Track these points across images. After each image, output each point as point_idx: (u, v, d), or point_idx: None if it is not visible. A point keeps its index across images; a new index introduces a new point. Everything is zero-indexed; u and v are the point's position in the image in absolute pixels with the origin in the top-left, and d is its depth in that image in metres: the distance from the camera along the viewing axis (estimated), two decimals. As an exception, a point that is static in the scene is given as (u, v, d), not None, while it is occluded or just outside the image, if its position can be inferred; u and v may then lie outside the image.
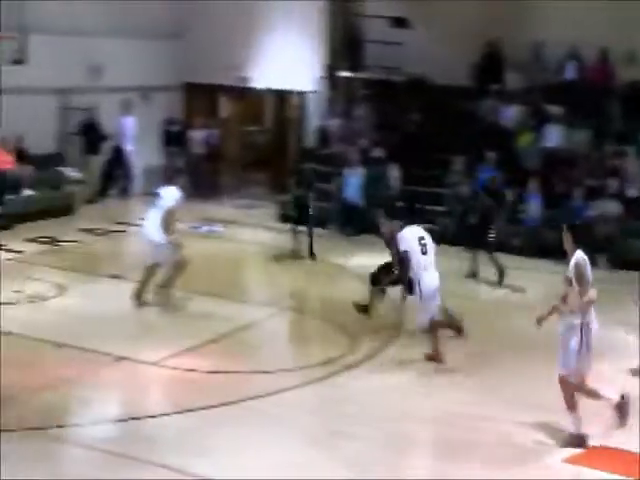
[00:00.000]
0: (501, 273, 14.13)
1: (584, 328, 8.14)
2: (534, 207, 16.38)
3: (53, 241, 15.60)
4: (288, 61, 20.12)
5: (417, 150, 17.81)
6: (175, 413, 8.86)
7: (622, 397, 8.25)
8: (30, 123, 17.40)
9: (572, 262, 8.22)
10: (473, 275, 14.48)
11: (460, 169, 16.89)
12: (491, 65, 19.00)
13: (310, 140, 20.55)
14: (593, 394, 8.39)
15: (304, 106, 20.50)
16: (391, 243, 11.08)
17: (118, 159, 19.74)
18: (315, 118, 20.35)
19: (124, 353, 10.30)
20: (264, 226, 17.83)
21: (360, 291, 13.76)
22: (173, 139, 20.74)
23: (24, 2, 14.87)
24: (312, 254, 15.47)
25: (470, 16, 18.92)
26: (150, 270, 12.12)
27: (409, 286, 10.66)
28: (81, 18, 18.60)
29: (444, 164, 17.18)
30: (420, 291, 10.34)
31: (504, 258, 14.37)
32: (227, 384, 9.72)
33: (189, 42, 21.19)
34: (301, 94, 20.68)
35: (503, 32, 18.55)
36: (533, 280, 14.15)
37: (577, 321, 8.14)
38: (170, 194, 12.17)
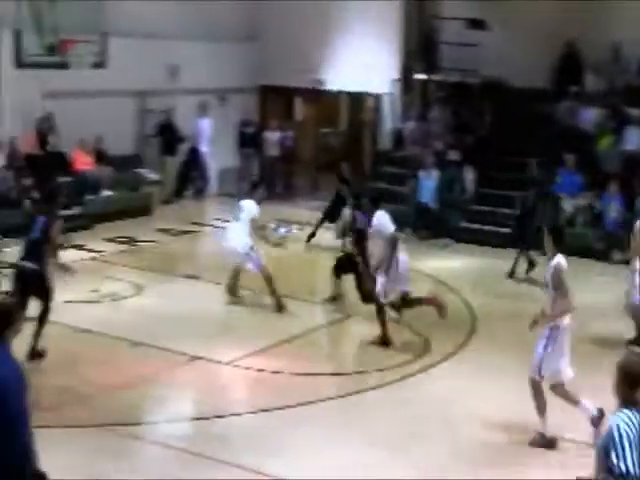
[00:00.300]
0: (530, 264, 14.31)
1: (554, 332, 8.17)
2: (614, 210, 16.10)
3: (131, 241, 15.84)
4: (363, 63, 20.09)
5: (493, 153, 17.63)
6: (249, 413, 8.92)
7: (600, 411, 8.11)
8: (109, 125, 17.73)
9: (551, 265, 8.22)
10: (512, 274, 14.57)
11: (536, 172, 16.65)
12: (569, 66, 18.69)
13: (385, 142, 20.50)
14: (572, 399, 8.33)
15: (379, 108, 20.45)
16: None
17: (194, 160, 19.96)
18: (390, 120, 20.29)
19: (199, 353, 10.42)
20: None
21: (432, 293, 13.73)
22: (248, 141, 20.90)
23: (104, 5, 15.12)
24: None
25: (547, 16, 18.65)
26: (236, 270, 12.33)
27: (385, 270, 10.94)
28: (159, 21, 18.88)
29: (520, 167, 16.96)
30: (396, 272, 10.83)
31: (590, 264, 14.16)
32: (301, 385, 9.75)
33: (265, 44, 21.34)
34: (376, 96, 20.64)
35: (581, 33, 18.23)
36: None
37: (549, 325, 8.19)
38: (250, 206, 12.23)
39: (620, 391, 5.12)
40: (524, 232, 14.69)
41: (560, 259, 8.20)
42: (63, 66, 15.12)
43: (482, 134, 18.33)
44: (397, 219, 16.62)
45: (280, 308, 12.13)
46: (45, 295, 9.89)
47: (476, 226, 16.50)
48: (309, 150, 22.26)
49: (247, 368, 10.03)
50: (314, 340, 11.45)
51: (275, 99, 22.48)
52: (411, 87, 20.44)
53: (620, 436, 4.93)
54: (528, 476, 7.79)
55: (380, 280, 10.82)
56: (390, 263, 10.86)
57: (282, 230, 17.49)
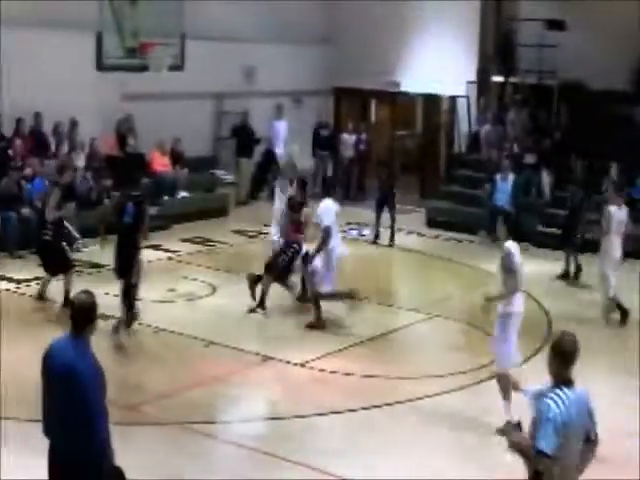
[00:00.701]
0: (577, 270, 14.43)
1: (505, 316, 8.67)
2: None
3: (206, 242, 16.01)
4: (439, 65, 19.98)
5: (570, 156, 17.35)
6: (319, 414, 8.93)
7: (517, 425, 8.01)
8: (186, 127, 17.97)
9: (504, 251, 8.89)
10: (564, 276, 14.58)
11: (616, 176, 16.34)
12: (651, 68, 18.32)
13: (460, 145, 20.34)
14: (507, 393, 8.50)
15: (454, 111, 20.30)
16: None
17: (269, 162, 20.08)
18: (465, 123, 20.12)
19: (272, 353, 10.49)
20: (413, 231, 17.76)
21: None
22: (323, 143, 20.96)
23: (182, 9, 15.29)
24: None
25: (627, 17, 18.27)
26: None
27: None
28: (235, 23, 19.08)
29: (599, 171, 16.66)
30: (331, 261, 11.51)
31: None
32: (372, 387, 9.74)
33: (340, 46, 21.37)
34: (452, 98, 20.51)
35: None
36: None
37: (501, 309, 8.72)
38: (326, 210, 11.95)
39: (553, 369, 5.24)
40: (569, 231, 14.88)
41: (511, 244, 8.91)
42: (143, 69, 15.34)
43: (559, 137, 18.05)
44: (472, 222, 16.63)
45: (353, 296, 11.81)
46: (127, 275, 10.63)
47: (553, 230, 16.23)
48: (384, 153, 22.20)
49: (321, 370, 10.06)
50: (387, 343, 11.42)
51: (350, 101, 22.50)
52: (487, 89, 20.24)
53: (547, 418, 5.07)
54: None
55: (313, 268, 11.45)
56: (322, 252, 11.49)
57: (353, 232, 17.55)
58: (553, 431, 5.07)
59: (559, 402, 5.13)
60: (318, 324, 11.51)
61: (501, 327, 8.70)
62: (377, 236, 16.76)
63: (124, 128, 17.17)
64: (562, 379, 5.22)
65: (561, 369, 5.24)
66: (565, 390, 5.18)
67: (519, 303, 8.77)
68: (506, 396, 8.57)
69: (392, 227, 16.69)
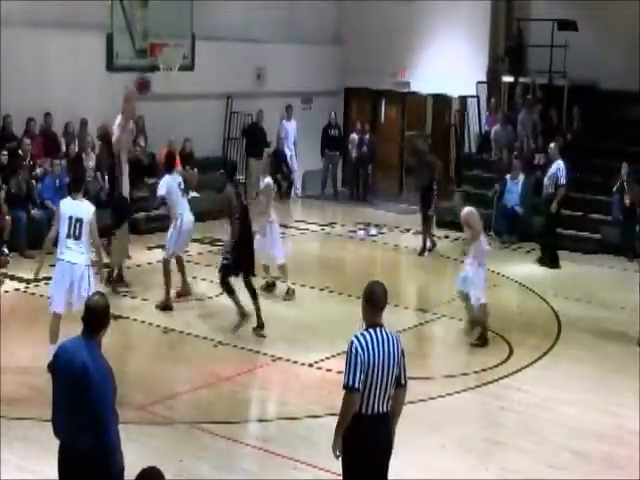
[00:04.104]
0: None
1: (481, 266, 10.94)
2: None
3: (216, 242, 16.00)
4: (449, 65, 19.94)
5: (582, 157, 17.29)
6: (329, 415, 8.92)
7: None
8: (196, 127, 17.98)
9: (464, 212, 11.00)
10: None
11: (629, 176, 16.29)
12: (662, 68, 18.22)
13: (470, 145, 20.30)
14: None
15: (465, 111, 20.27)
16: None
17: (279, 162, 20.07)
18: (476, 123, 20.08)
19: (281, 354, 10.49)
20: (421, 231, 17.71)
21: (517, 298, 13.57)
22: (332, 143, 20.95)
23: (192, 9, 15.31)
24: None
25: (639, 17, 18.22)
26: None
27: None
28: (245, 24, 19.09)
29: (611, 171, 16.61)
30: (180, 226, 12.11)
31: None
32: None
33: (350, 47, 21.38)
34: (462, 99, 20.47)
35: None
36: None
37: (469, 260, 10.99)
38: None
39: (365, 314, 5.79)
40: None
41: (470, 209, 11.06)
42: (153, 69, 15.37)
43: (570, 138, 17.99)
44: (483, 223, 16.45)
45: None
46: None
47: (565, 231, 16.17)
48: (394, 153, 22.18)
49: (328, 370, 10.05)
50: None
51: (360, 101, 22.49)
52: (498, 89, 20.19)
53: (354, 354, 5.61)
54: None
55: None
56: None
57: (360, 233, 17.54)
58: (359, 368, 5.58)
59: (363, 342, 5.64)
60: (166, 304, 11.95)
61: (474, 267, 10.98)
62: (427, 245, 16.02)
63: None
64: (372, 323, 5.74)
65: (370, 314, 5.77)
66: (372, 332, 5.69)
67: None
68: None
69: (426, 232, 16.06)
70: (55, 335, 9.19)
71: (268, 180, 12.83)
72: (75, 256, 9.33)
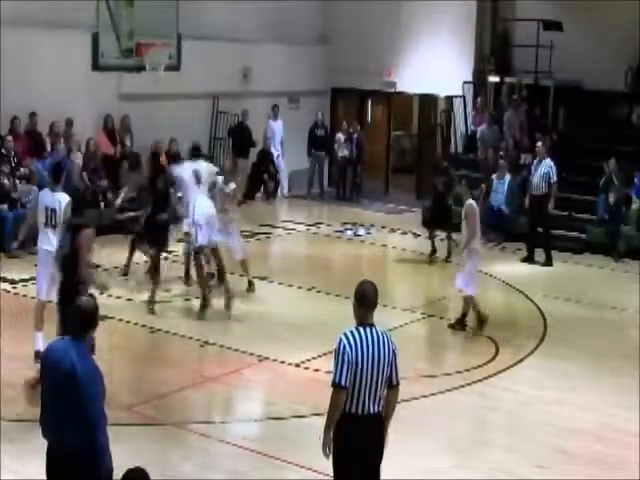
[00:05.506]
0: None
1: (474, 254, 11.26)
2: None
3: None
4: (435, 65, 19.98)
5: (567, 157, 17.34)
6: (316, 414, 8.91)
7: None
8: (182, 127, 17.93)
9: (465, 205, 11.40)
10: None
11: (614, 176, 16.35)
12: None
13: (457, 145, 20.33)
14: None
15: (451, 111, 20.30)
16: None
17: (265, 162, 20.07)
18: (462, 123, 20.12)
19: (268, 354, 10.47)
20: (408, 231, 17.75)
21: (503, 298, 13.60)
22: (319, 143, 20.95)
23: (178, 9, 15.27)
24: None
25: (625, 18, 18.29)
26: None
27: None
28: (232, 24, 19.05)
29: (596, 171, 16.66)
30: (194, 214, 12.02)
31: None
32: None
33: (336, 47, 21.37)
34: (448, 99, 20.50)
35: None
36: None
37: (466, 249, 11.23)
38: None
39: (356, 313, 5.85)
40: None
41: (471, 202, 11.38)
42: (139, 69, 15.32)
43: (556, 137, 18.05)
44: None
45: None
46: None
47: (555, 231, 16.17)
48: (380, 153, 22.19)
49: (316, 370, 10.04)
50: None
51: (346, 101, 22.49)
52: (484, 89, 20.24)
53: (341, 352, 5.66)
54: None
55: None
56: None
57: (348, 232, 17.54)
58: (346, 365, 5.61)
59: (352, 340, 5.68)
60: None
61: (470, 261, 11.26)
62: (434, 251, 15.59)
63: (120, 129, 17.14)
64: (362, 321, 5.79)
65: (360, 313, 5.82)
66: (361, 330, 5.73)
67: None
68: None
69: (433, 241, 15.66)
70: (40, 321, 9.59)
71: (232, 185, 13.33)
72: (53, 244, 9.59)
